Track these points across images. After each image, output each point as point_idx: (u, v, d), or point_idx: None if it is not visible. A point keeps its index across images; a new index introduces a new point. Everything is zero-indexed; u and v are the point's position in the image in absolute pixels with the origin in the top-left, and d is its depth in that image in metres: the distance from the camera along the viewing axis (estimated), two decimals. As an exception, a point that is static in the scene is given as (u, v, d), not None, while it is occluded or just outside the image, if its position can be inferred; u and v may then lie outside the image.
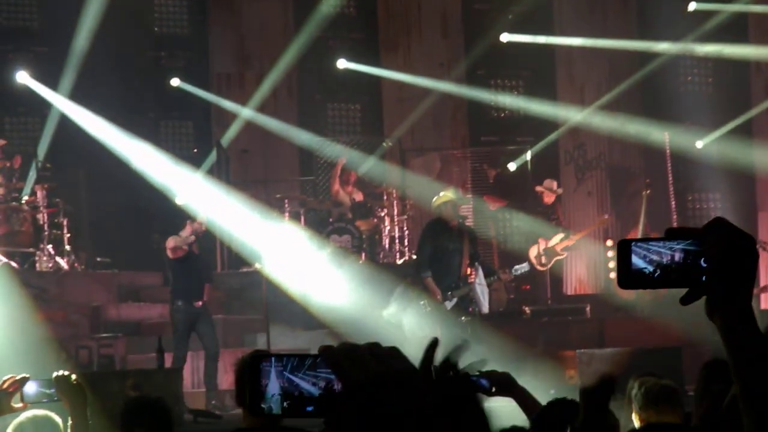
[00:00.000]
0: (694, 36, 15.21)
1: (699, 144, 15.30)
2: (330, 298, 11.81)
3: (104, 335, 11.84)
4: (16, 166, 13.39)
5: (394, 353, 1.57)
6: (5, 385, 4.43)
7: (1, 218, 12.70)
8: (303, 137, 15.84)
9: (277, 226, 13.09)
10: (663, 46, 15.48)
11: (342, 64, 16.32)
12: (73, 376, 4.32)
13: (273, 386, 1.57)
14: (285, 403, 1.57)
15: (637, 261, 1.63)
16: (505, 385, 3.94)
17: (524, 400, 3.99)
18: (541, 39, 16.12)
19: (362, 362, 1.53)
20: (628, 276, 1.63)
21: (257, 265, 11.72)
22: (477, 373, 4.01)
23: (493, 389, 3.95)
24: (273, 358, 1.58)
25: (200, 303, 10.89)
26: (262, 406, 1.57)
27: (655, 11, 15.79)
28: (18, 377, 4.46)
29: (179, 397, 9.78)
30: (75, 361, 11.05)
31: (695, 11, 15.42)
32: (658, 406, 4.57)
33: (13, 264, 12.47)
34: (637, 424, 4.59)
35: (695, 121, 15.37)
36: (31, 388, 4.40)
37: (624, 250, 1.63)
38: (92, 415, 4.38)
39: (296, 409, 1.57)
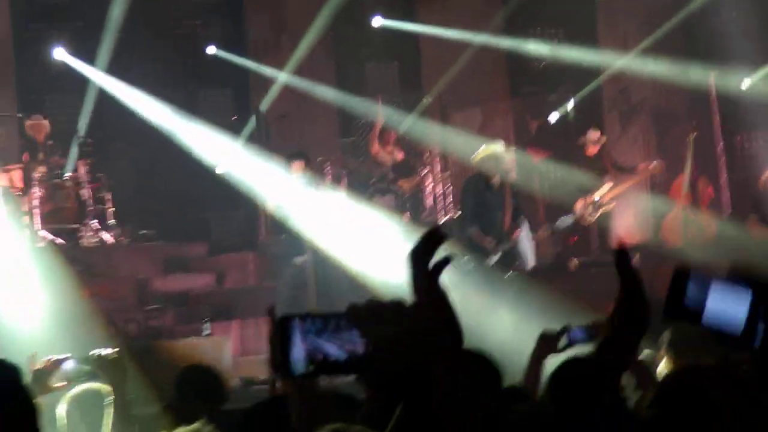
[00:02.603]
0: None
1: (745, 83, 14.95)
2: (374, 265, 11.68)
3: (152, 307, 11.92)
4: (56, 157, 13.37)
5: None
6: (45, 365, 4.46)
7: (45, 196, 12.79)
8: (342, 98, 15.75)
9: (320, 191, 13.00)
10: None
11: (377, 21, 16.17)
12: (113, 352, 4.33)
13: (298, 350, 1.57)
14: (310, 367, 1.57)
15: (693, 294, 1.50)
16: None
17: None
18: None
19: (387, 320, 1.54)
20: (678, 308, 1.50)
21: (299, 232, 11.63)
22: (574, 327, 4.04)
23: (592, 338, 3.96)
24: (297, 319, 1.57)
25: (304, 258, 10.40)
26: (290, 368, 1.58)
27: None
28: (55, 357, 4.49)
29: (227, 364, 9.84)
30: (124, 335, 11.14)
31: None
32: (689, 347, 4.46)
33: (59, 241, 12.58)
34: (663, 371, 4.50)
35: (741, 60, 15.01)
36: (70, 366, 4.43)
37: (680, 279, 1.49)
38: (137, 388, 4.39)
39: (321, 371, 1.58)
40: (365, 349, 1.55)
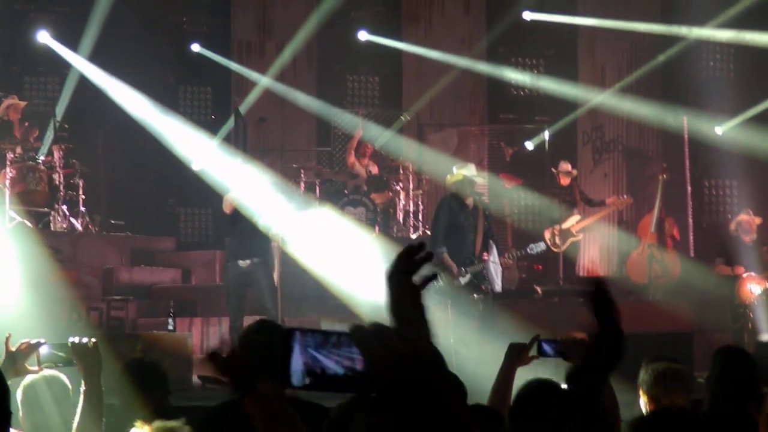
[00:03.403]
0: (717, 21, 15.06)
1: (718, 130, 15.19)
2: (344, 274, 11.74)
3: (116, 297, 11.88)
4: (31, 139, 13.32)
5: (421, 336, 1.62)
6: (21, 348, 4.48)
7: (17, 177, 12.71)
8: (321, 108, 15.81)
9: (293, 197, 13.05)
10: (686, 31, 15.34)
11: (363, 36, 16.26)
12: (91, 341, 4.35)
13: (296, 362, 1.59)
14: (307, 380, 1.59)
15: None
16: (579, 352, 3.94)
17: None
18: (564, 18, 16.01)
19: (389, 343, 1.56)
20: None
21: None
22: (547, 339, 4.05)
23: (565, 355, 3.94)
24: (298, 332, 1.60)
25: (248, 262, 10.15)
26: (288, 379, 1.60)
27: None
28: (33, 341, 4.50)
29: (188, 361, 9.80)
30: (86, 322, 11.10)
31: (720, -4, 15.28)
32: (666, 386, 4.52)
33: (27, 223, 12.51)
34: (645, 409, 4.57)
35: (715, 107, 15.26)
36: (46, 350, 4.44)
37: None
38: (107, 377, 4.41)
39: (318, 385, 1.60)
40: (363, 366, 1.57)
